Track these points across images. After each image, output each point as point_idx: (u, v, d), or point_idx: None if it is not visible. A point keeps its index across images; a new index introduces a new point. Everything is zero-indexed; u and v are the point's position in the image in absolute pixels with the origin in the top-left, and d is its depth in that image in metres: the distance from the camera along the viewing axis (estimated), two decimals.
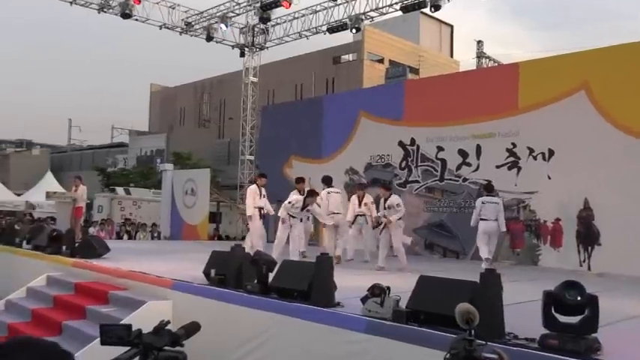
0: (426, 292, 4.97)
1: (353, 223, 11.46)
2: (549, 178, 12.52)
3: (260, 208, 11.66)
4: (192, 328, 2.37)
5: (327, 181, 12.09)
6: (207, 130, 45.75)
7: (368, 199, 11.86)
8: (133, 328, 2.17)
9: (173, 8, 22.47)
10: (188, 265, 9.46)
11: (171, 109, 50.13)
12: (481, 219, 10.55)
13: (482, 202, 10.65)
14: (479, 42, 37.12)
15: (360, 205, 11.77)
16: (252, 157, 26.46)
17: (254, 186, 11.52)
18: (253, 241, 10.96)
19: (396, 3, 18.15)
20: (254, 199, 11.24)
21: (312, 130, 17.92)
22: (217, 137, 44.88)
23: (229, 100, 42.05)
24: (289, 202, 10.69)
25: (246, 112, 26.66)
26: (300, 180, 11.51)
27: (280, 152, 18.73)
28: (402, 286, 5.71)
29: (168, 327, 2.26)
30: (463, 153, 14.10)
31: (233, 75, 39.06)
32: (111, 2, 20.25)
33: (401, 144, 15.46)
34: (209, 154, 38.81)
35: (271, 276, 6.29)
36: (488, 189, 11.07)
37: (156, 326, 2.24)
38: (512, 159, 13.21)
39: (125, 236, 20.22)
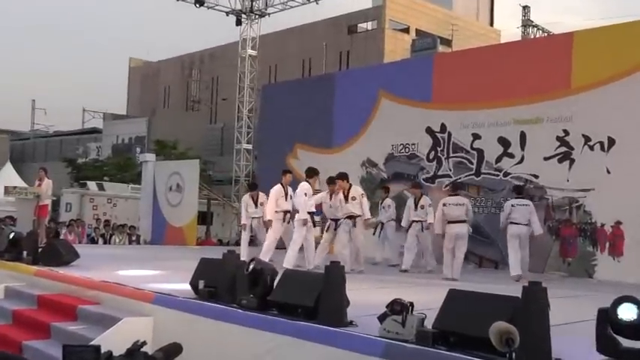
0: (457, 309, 4.96)
1: (407, 230, 12.32)
2: (608, 172, 12.48)
3: (286, 212, 11.94)
4: (173, 351, 2.37)
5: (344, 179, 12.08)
6: (196, 113, 45.95)
7: (425, 201, 12.47)
8: (104, 350, 2.17)
9: None
10: (172, 275, 9.51)
11: (153, 88, 50.37)
12: (511, 222, 11.35)
13: (512, 205, 11.41)
14: (525, 7, 36.94)
15: (416, 207, 12.38)
16: (249, 146, 26.58)
17: (278, 186, 11.92)
18: (265, 248, 11.12)
19: None
20: (276, 201, 11.65)
21: (322, 114, 17.94)
22: (209, 122, 45.08)
23: (223, 78, 42.18)
24: (305, 195, 10.87)
25: (243, 92, 26.72)
26: (313, 172, 11.47)
27: (284, 140, 18.76)
28: (427, 301, 5.70)
29: (144, 349, 2.26)
30: (504, 142, 14.06)
31: (228, 47, 39.17)
32: None
33: (429, 131, 15.45)
34: (199, 142, 39.00)
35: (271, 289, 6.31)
36: (519, 191, 11.84)
37: (129, 348, 2.25)
38: (563, 149, 13.15)
39: (99, 240, 20.36)
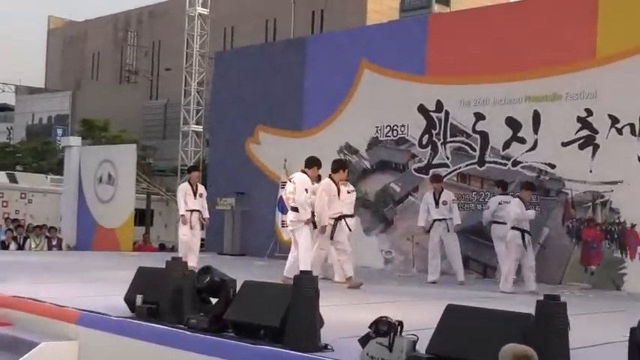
0: (457, 328, 4.98)
1: (429, 231, 12.81)
2: None
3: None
4: None
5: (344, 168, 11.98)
6: (132, 86, 45.53)
7: (447, 196, 12.92)
8: None
9: None
10: (103, 288, 9.42)
11: (78, 55, 49.83)
12: (495, 222, 12.55)
13: (500, 203, 12.60)
14: None
15: (437, 204, 12.71)
16: (199, 128, 26.44)
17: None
18: (302, 259, 10.90)
19: None
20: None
21: (290, 89, 17.89)
22: (148, 98, 44.70)
23: (166, 43, 41.84)
24: (306, 190, 11.04)
25: (191, 61, 26.55)
26: (313, 163, 11.48)
27: (242, 121, 18.71)
28: (420, 319, 5.73)
29: None
30: (514, 123, 14.15)
31: (172, 4, 38.84)
32: None
33: (422, 109, 15.51)
34: (135, 122, 38.69)
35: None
36: (504, 187, 12.57)
37: None
38: (585, 132, 13.28)
39: (10, 245, 20.11)
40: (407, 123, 15.70)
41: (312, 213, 11.12)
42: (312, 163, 11.51)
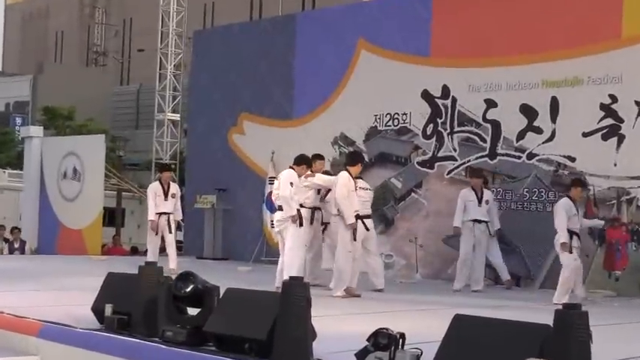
0: (466, 341, 4.98)
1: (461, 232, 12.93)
2: None
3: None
4: None
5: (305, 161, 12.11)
6: (100, 70, 45.38)
7: (489, 195, 13.07)
8: None
9: None
10: (67, 297, 9.40)
11: (40, 35, 49.66)
12: (472, 220, 12.83)
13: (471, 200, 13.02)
14: None
15: (480, 202, 12.81)
16: (176, 117, 26.38)
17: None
18: (288, 261, 11.16)
19: None
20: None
21: (278, 72, 17.88)
22: (118, 83, 44.57)
23: (138, 21, 41.73)
24: (291, 184, 11.27)
25: (167, 41, 26.48)
26: (303, 161, 11.69)
27: (224, 109, 18.71)
28: (424, 331, 5.73)
29: None
30: (529, 111, 14.16)
31: None
32: None
33: (426, 95, 15.51)
34: (104, 110, 38.61)
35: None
36: (475, 175, 13.17)
37: None
38: (609, 122, 13.30)
39: None
40: (409, 111, 15.69)
41: (298, 210, 11.24)
42: (302, 161, 11.67)
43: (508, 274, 13.28)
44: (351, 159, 11.76)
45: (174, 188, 13.89)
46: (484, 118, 14.67)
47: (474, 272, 12.87)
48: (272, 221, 16.68)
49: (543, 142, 13.93)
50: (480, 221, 12.78)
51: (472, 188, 13.08)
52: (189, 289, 6.38)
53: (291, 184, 11.22)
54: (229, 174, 18.31)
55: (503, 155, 14.41)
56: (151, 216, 13.60)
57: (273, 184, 16.50)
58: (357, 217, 11.15)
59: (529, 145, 14.09)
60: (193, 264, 14.35)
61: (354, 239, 11.05)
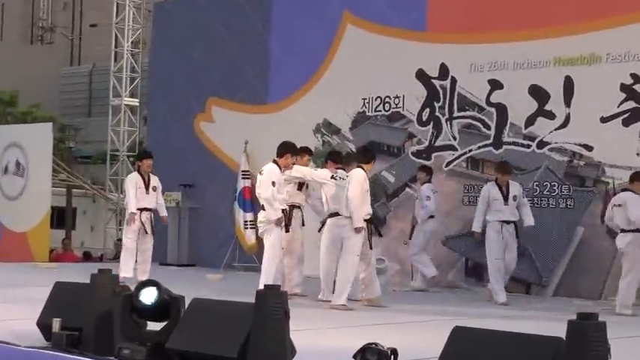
0: (467, 355, 4.99)
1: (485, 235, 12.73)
2: None
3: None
4: None
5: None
6: (47, 48, 45.06)
7: (517, 189, 12.71)
8: None
9: None
10: (9, 310, 9.35)
11: None
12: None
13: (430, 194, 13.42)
14: None
15: (506, 199, 12.50)
16: (134, 102, 26.23)
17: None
18: (265, 268, 11.30)
19: None
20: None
21: (251, 51, 17.87)
22: (68, 63, 44.30)
23: None
24: (273, 184, 11.33)
25: (124, 14, 26.35)
26: (284, 149, 11.69)
27: (190, 92, 18.69)
28: (419, 346, 5.74)
29: None
30: (539, 93, 14.20)
31: None
32: None
33: (422, 76, 15.53)
34: (52, 94, 38.39)
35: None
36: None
37: None
38: (631, 105, 13.34)
39: None
40: (402, 93, 15.72)
41: (284, 212, 11.35)
42: (284, 149, 11.67)
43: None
44: (365, 155, 11.93)
45: (154, 180, 13.78)
46: (488, 102, 14.71)
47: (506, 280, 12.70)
48: (245, 221, 16.78)
49: (556, 129, 13.98)
50: (508, 222, 12.49)
51: (496, 183, 12.71)
52: (149, 300, 6.37)
53: (273, 183, 11.24)
54: (196, 167, 18.29)
55: (509, 144, 14.44)
56: (132, 208, 13.40)
57: (246, 178, 16.55)
58: (370, 220, 11.43)
59: (540, 133, 14.13)
60: (155, 271, 14.28)
61: (370, 246, 11.35)
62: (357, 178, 11.30)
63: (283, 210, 11.34)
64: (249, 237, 16.72)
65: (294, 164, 11.82)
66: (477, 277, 14.57)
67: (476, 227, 12.78)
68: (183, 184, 18.11)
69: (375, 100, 16.11)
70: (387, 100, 15.97)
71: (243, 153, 17.02)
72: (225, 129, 18.01)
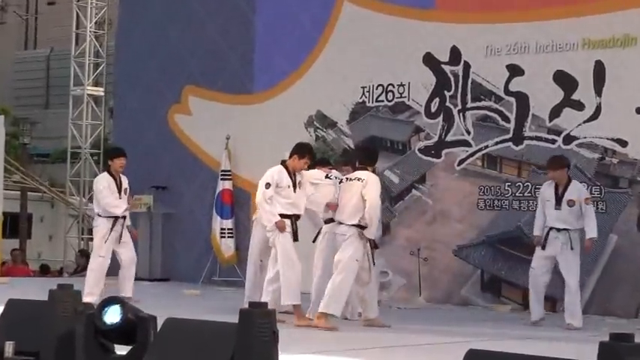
0: None
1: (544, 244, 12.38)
2: None
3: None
4: None
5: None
6: None
7: (578, 193, 12.28)
8: None
9: None
10: None
11: None
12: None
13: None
14: None
15: (559, 202, 12.18)
16: (99, 91, 26.20)
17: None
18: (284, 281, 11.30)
19: None
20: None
21: (234, 32, 17.88)
22: (22, 46, 44.23)
23: None
24: (266, 185, 11.38)
25: None
26: (301, 150, 11.67)
27: (163, 80, 18.73)
28: None
29: None
30: (566, 80, 14.23)
31: None
32: None
33: (430, 60, 15.56)
34: (4, 83, 38.35)
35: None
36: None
37: None
38: None
39: None
40: (408, 81, 15.73)
41: (292, 218, 11.44)
42: (300, 150, 11.63)
43: None
44: (370, 157, 11.90)
45: (125, 182, 13.66)
46: (507, 90, 14.73)
47: (566, 299, 12.29)
48: (223, 229, 16.78)
49: (585, 122, 14.00)
50: (559, 229, 12.11)
51: (552, 183, 12.38)
52: (115, 320, 6.36)
53: (267, 185, 11.27)
54: (170, 167, 18.29)
55: (532, 139, 14.48)
56: (119, 210, 13.26)
57: (227, 179, 16.56)
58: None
59: (566, 126, 14.16)
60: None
61: (372, 261, 11.36)
62: (376, 183, 11.36)
63: (289, 216, 11.35)
64: (227, 248, 16.74)
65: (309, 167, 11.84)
66: (494, 292, 14.65)
67: (536, 230, 12.54)
68: (155, 186, 18.12)
69: (377, 88, 16.13)
70: (391, 88, 16.00)
71: (224, 150, 17.02)
72: (204, 122, 18.01)
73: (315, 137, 16.50)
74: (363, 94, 16.26)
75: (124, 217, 13.38)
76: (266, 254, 12.03)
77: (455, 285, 14.73)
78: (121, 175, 13.60)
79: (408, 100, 15.75)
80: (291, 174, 11.49)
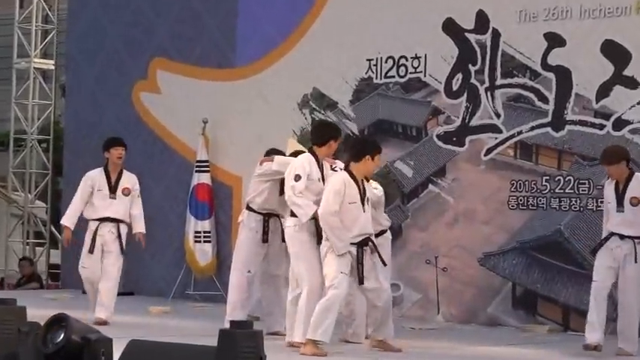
0: None
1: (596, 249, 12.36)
2: None
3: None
4: None
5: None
6: None
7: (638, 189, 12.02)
8: None
9: None
10: None
11: None
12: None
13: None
14: None
15: (620, 203, 11.98)
16: (48, 64, 26.19)
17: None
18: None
19: None
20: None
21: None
22: None
23: None
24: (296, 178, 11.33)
25: None
26: (327, 132, 11.71)
27: (125, 52, 18.79)
28: None
29: None
30: (616, 52, 14.21)
31: None
32: None
33: (451, 28, 15.58)
34: None
35: None
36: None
37: None
38: None
39: None
40: (424, 53, 15.74)
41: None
42: (336, 133, 11.74)
43: None
44: (374, 145, 11.73)
45: (128, 179, 13.76)
46: (544, 64, 14.71)
47: (620, 320, 12.19)
48: (198, 232, 16.77)
49: (639, 103, 14.00)
50: (622, 236, 11.85)
51: (613, 181, 12.08)
52: (58, 341, 6.30)
53: (298, 177, 11.19)
54: (135, 157, 18.16)
55: (575, 123, 14.45)
56: (66, 219, 13.57)
57: (203, 171, 16.58)
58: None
59: (617, 108, 14.15)
60: (76, 302, 14.30)
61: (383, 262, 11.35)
62: (333, 181, 11.29)
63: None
64: (203, 255, 16.70)
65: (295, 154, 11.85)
66: (528, 310, 14.66)
67: (604, 232, 12.36)
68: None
69: (386, 61, 16.14)
70: (403, 62, 15.99)
71: (200, 136, 16.97)
72: (176, 102, 18.03)
73: (310, 121, 16.48)
74: (370, 68, 16.26)
75: (114, 221, 13.51)
76: (255, 264, 12.07)
77: (480, 301, 14.75)
78: (123, 170, 13.85)
79: (424, 75, 15.73)
80: (320, 164, 11.46)
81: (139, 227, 13.72)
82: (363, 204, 11.07)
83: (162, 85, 18.29)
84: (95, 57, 19.40)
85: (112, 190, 13.47)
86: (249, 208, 12.06)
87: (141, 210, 13.83)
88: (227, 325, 6.29)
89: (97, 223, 13.35)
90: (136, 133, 18.31)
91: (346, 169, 11.24)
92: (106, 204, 13.43)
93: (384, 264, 11.34)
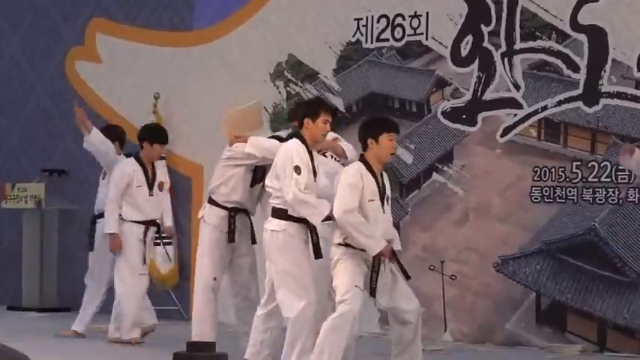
0: None
1: None
2: None
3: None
4: None
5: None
6: None
7: None
8: None
9: None
10: None
11: None
12: None
13: None
14: None
15: None
16: None
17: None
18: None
19: None
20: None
21: None
22: None
23: None
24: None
25: None
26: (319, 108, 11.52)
27: (57, 12, 18.88)
28: None
29: None
30: None
31: None
32: None
33: None
34: None
35: None
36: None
37: None
38: None
39: None
40: (425, 10, 15.79)
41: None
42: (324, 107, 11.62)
43: None
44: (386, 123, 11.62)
45: (163, 172, 14.16)
46: (574, 24, 14.73)
47: None
48: (156, 233, 16.77)
49: None
50: None
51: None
52: None
53: (297, 168, 10.90)
54: (70, 141, 18.22)
55: (612, 96, 14.51)
56: (112, 227, 13.75)
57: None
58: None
59: None
60: (3, 320, 14.26)
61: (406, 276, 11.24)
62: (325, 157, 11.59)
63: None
64: (162, 260, 16.67)
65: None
66: (556, 326, 14.72)
67: None
68: (47, 170, 18.07)
69: (378, 21, 16.21)
70: (399, 21, 16.05)
71: (151, 114, 16.96)
72: (120, 73, 18.00)
73: (286, 95, 16.52)
74: (358, 29, 16.34)
75: (156, 224, 14.06)
76: (222, 270, 12.15)
77: (497, 315, 14.82)
78: (164, 163, 14.55)
79: (426, 38, 15.80)
80: (310, 152, 11.25)
81: (170, 221, 14.46)
82: (382, 202, 10.94)
83: (103, 52, 18.32)
84: (19, 20, 19.38)
85: (151, 186, 13.82)
86: (211, 201, 12.07)
87: (168, 203, 14.49)
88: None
89: (143, 227, 13.75)
90: (70, 111, 18.09)
91: (361, 158, 11.02)
92: (151, 204, 13.87)
93: (408, 277, 11.03)
